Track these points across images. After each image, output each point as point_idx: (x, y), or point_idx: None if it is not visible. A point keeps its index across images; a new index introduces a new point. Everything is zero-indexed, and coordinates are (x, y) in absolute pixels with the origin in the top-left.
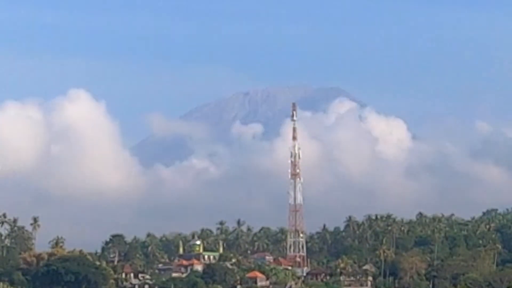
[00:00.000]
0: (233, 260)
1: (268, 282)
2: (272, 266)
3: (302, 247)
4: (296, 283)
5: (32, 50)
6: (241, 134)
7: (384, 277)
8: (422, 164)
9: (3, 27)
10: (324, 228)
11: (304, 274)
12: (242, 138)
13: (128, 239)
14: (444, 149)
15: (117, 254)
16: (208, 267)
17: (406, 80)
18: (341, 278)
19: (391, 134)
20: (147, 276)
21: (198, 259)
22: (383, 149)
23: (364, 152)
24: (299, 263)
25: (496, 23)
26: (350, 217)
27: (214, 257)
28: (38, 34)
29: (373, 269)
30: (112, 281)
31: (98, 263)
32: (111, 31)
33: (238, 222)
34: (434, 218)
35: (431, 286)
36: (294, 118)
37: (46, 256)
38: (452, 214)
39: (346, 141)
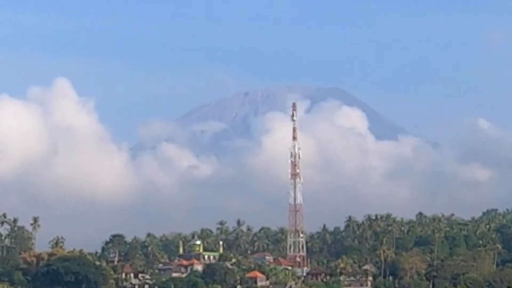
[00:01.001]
0: (233, 260)
1: (268, 282)
2: (272, 266)
3: (302, 247)
4: (296, 283)
5: (29, 50)
6: (235, 135)
7: (384, 277)
8: (418, 164)
9: (3, 28)
10: (324, 228)
11: (304, 274)
12: (237, 138)
13: (128, 239)
14: (441, 149)
15: (117, 254)
16: (208, 267)
17: (405, 81)
18: (341, 278)
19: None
20: (147, 276)
21: (198, 259)
22: (377, 149)
23: (358, 153)
24: (299, 263)
25: (490, 26)
26: (350, 217)
27: (214, 257)
28: (35, 35)
29: (373, 269)
30: (112, 281)
31: (98, 263)
32: (111, 32)
33: (238, 222)
34: (434, 218)
35: (431, 286)
36: (294, 118)
37: (46, 256)
38: (452, 214)
39: (342, 141)
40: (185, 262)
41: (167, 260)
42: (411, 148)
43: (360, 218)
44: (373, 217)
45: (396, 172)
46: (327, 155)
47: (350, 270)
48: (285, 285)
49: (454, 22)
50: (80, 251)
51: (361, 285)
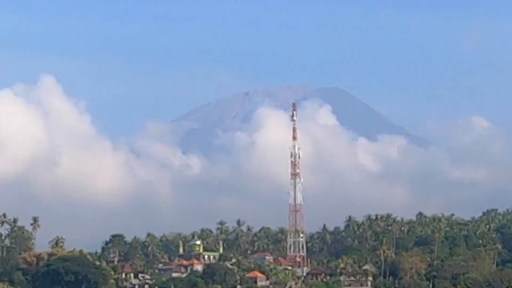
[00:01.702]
0: (233, 260)
1: (268, 282)
2: (272, 266)
3: (302, 247)
4: (296, 283)
5: (28, 51)
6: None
7: (384, 277)
8: (417, 164)
9: (5, 30)
10: (324, 228)
11: (304, 274)
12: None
13: (128, 239)
14: (439, 148)
15: (117, 254)
16: (208, 267)
17: (406, 81)
18: (341, 278)
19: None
20: (147, 276)
21: (198, 259)
22: (376, 149)
23: (355, 153)
24: (299, 263)
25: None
26: (350, 217)
27: (214, 257)
28: (33, 35)
29: (373, 269)
30: (112, 281)
31: (98, 263)
32: (112, 33)
33: (238, 222)
34: (434, 218)
35: (431, 286)
36: (294, 118)
37: (46, 256)
38: (452, 214)
39: (336, 141)
40: (185, 262)
41: (167, 260)
42: (410, 148)
43: (360, 218)
44: (373, 217)
45: (395, 172)
46: (321, 155)
47: (350, 270)
48: (285, 285)
49: (452, 22)
50: (80, 251)
51: (361, 285)
